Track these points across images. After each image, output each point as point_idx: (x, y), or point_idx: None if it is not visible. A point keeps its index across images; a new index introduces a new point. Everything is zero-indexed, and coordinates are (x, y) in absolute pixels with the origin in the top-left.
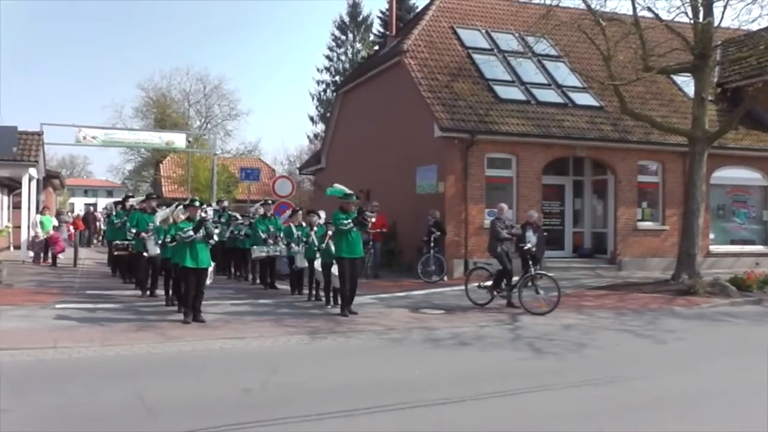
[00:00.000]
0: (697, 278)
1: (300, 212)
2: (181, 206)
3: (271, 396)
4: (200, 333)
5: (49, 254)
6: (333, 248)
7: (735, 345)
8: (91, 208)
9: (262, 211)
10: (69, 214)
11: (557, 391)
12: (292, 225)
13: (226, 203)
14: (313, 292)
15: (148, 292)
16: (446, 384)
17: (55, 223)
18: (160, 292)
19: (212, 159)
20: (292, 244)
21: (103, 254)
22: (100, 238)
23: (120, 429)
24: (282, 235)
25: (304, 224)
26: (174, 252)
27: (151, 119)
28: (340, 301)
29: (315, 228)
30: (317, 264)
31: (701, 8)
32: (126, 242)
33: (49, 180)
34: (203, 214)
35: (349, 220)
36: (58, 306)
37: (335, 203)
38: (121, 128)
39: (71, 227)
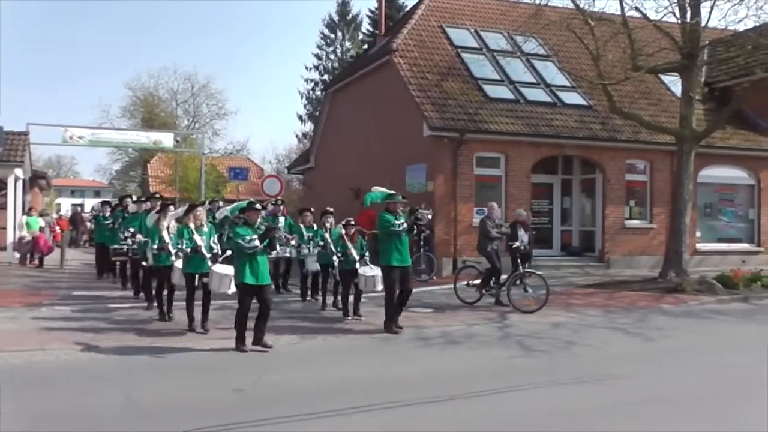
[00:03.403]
0: (685, 276)
1: (309, 212)
2: (173, 209)
3: (262, 396)
4: (190, 335)
5: (36, 256)
6: (355, 254)
7: (722, 342)
8: (78, 209)
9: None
10: (53, 215)
11: (547, 389)
12: (302, 226)
13: (220, 203)
14: (328, 300)
15: (155, 304)
16: (436, 383)
17: (42, 223)
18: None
19: (200, 158)
20: (302, 246)
21: (90, 255)
22: (87, 238)
23: (112, 430)
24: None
25: (315, 226)
26: (193, 263)
27: (139, 119)
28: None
29: (329, 230)
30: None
31: (689, 8)
32: (125, 246)
33: (36, 180)
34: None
35: (401, 222)
36: (45, 308)
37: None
38: (108, 128)
39: (57, 228)
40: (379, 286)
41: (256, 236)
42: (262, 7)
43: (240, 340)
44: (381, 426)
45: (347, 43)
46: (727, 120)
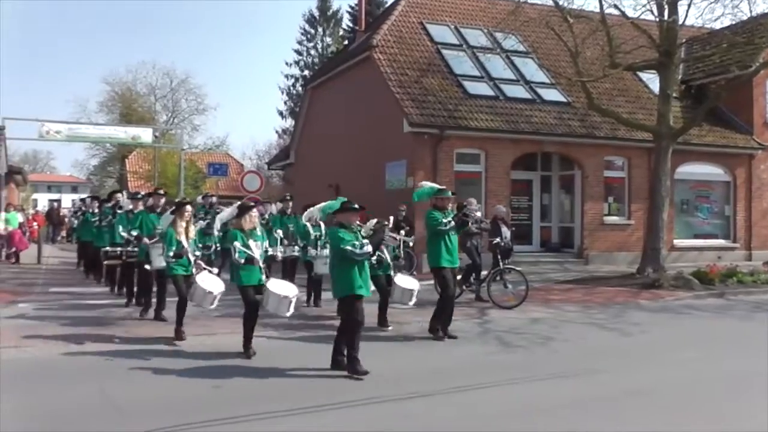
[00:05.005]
0: (662, 272)
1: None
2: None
3: (241, 392)
4: (168, 330)
5: (10, 252)
6: (389, 258)
7: (698, 337)
8: (55, 204)
9: (274, 209)
10: (30, 211)
11: (525, 384)
12: (309, 224)
13: (214, 198)
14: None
15: (154, 313)
16: (415, 378)
17: (21, 219)
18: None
19: (179, 154)
20: (309, 248)
21: (70, 252)
22: (65, 234)
23: (89, 428)
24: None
25: (322, 224)
26: (247, 275)
27: (117, 114)
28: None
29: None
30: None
31: (666, 6)
32: (119, 248)
33: (12, 176)
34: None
35: (449, 219)
36: (21, 305)
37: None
38: (85, 123)
39: (34, 223)
40: (413, 301)
41: (366, 241)
42: (242, 2)
43: (355, 361)
44: (358, 423)
45: (327, 39)
46: (703, 117)
